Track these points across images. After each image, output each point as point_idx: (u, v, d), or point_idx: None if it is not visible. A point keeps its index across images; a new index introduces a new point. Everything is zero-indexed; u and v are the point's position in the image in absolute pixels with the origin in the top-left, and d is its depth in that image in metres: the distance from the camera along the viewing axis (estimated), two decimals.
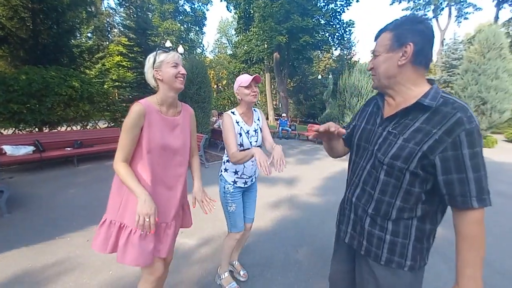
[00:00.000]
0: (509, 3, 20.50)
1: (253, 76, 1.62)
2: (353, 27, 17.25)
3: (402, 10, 25.62)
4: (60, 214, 3.18)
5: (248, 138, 1.71)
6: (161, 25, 25.20)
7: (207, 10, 31.96)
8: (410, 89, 0.90)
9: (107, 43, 21.13)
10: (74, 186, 4.21)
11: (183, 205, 1.53)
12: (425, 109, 0.85)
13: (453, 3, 23.35)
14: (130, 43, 9.59)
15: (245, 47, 18.36)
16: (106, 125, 7.55)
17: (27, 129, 5.80)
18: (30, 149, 4.90)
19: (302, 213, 3.44)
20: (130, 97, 9.52)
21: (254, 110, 1.82)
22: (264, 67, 20.99)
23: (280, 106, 21.31)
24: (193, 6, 30.86)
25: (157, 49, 1.28)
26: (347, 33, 17.94)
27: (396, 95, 0.94)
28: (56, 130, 6.28)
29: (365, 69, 10.32)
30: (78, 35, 12.24)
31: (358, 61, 22.63)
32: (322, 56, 28.10)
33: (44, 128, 6.10)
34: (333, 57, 28.29)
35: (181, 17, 30.07)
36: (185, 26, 29.78)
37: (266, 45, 16.37)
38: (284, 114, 13.08)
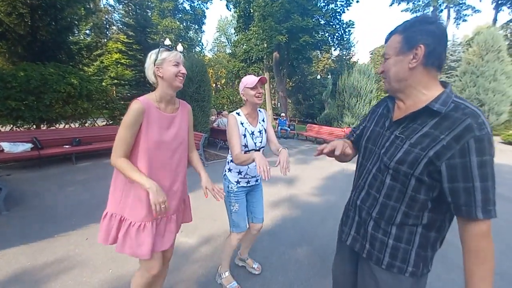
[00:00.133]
0: (508, 5, 20.64)
1: (259, 77, 1.61)
2: (353, 27, 17.25)
3: (402, 11, 25.71)
4: (59, 212, 3.16)
5: (253, 139, 1.71)
6: (161, 23, 25.07)
7: (207, 8, 31.86)
8: (421, 93, 0.88)
9: (105, 40, 21.02)
10: (73, 184, 4.19)
11: (184, 200, 1.55)
12: (434, 114, 0.83)
13: (452, 5, 23.44)
14: (129, 41, 9.56)
15: (245, 46, 18.32)
16: (104, 123, 7.52)
17: (25, 126, 5.76)
18: (28, 146, 4.86)
19: (302, 213, 3.45)
20: (129, 95, 9.48)
21: (259, 111, 1.82)
22: (264, 67, 20.96)
23: (279, 105, 21.32)
24: (192, 4, 30.74)
25: (160, 46, 1.30)
26: (347, 33, 17.95)
27: (406, 98, 0.92)
28: (54, 128, 6.25)
29: (364, 69, 10.37)
30: (76, 32, 12.14)
31: (357, 61, 22.70)
32: (321, 56, 28.14)
33: (42, 125, 6.06)
34: (332, 57, 28.34)
35: (180, 15, 29.95)
36: (184, 24, 29.66)
37: (265, 45, 16.33)
38: (283, 114, 13.08)
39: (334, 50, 23.16)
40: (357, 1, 17.06)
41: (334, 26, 17.08)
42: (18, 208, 3.21)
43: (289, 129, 11.82)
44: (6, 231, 2.67)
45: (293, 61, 19.71)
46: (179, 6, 29.78)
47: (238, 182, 1.78)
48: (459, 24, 24.58)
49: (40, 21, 7.28)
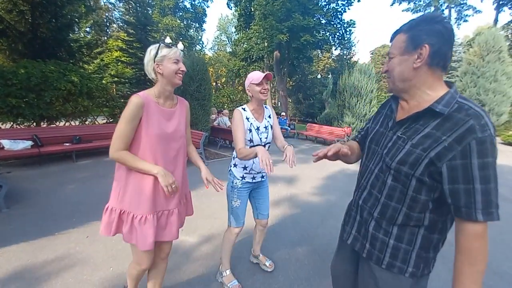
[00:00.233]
0: (509, 6, 20.61)
1: (265, 73, 1.63)
2: (354, 27, 17.23)
3: (402, 11, 25.68)
4: (59, 209, 3.16)
5: (258, 135, 1.72)
6: (161, 21, 25.02)
7: (208, 6, 31.79)
8: (426, 93, 0.87)
9: (106, 38, 20.96)
10: (73, 182, 4.19)
11: (185, 194, 1.58)
12: (437, 115, 0.82)
13: (453, 5, 23.42)
14: (129, 39, 9.53)
15: (245, 45, 18.29)
16: (105, 121, 7.51)
17: (25, 124, 5.75)
18: (28, 143, 4.86)
19: (302, 212, 3.45)
20: (129, 93, 9.46)
21: (265, 107, 1.84)
22: (264, 66, 20.95)
23: (279, 105, 21.30)
24: (193, 3, 30.70)
25: (160, 43, 1.31)
26: (348, 33, 17.91)
27: (410, 98, 0.91)
28: (54, 125, 6.24)
29: (365, 69, 10.36)
30: (77, 30, 12.12)
31: (358, 61, 22.68)
32: (322, 55, 28.10)
33: (42, 123, 6.04)
34: (332, 57, 28.31)
35: (181, 13, 29.90)
36: (185, 22, 29.60)
37: (266, 44, 16.29)
38: (283, 113, 13.07)
39: (335, 49, 23.11)
40: (358, 1, 17.03)
41: (335, 26, 17.04)
42: (18, 205, 3.21)
43: (289, 128, 11.81)
44: (6, 228, 2.67)
45: (293, 60, 19.68)
46: (180, 4, 29.72)
47: (243, 177, 1.80)
48: (460, 24, 24.57)
49: (40, 18, 7.26)
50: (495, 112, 9.50)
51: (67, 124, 6.58)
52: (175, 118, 1.39)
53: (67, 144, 5.44)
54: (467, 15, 23.83)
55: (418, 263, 0.90)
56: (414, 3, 24.74)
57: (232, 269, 2.07)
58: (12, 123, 5.58)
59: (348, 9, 16.96)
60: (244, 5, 17.94)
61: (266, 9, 14.80)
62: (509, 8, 20.79)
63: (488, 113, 0.79)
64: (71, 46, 8.44)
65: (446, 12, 24.14)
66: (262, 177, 1.88)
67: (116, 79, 11.52)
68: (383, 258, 0.94)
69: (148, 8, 12.81)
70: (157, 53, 1.27)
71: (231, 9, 20.63)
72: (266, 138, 1.77)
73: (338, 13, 16.83)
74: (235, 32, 25.45)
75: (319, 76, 23.10)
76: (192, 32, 31.43)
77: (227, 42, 37.02)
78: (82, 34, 16.60)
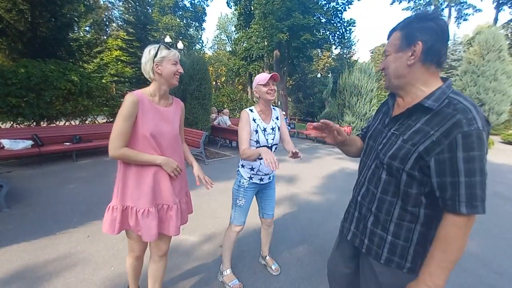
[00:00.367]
0: (509, 5, 20.59)
1: (271, 74, 1.66)
2: (354, 26, 17.22)
3: (402, 10, 25.66)
4: (60, 209, 3.16)
5: (265, 136, 1.74)
6: (161, 20, 24.97)
7: (207, 5, 31.73)
8: (420, 89, 0.89)
9: (105, 37, 20.92)
10: (73, 181, 4.19)
11: (186, 192, 1.61)
12: (427, 111, 0.84)
13: (453, 4, 23.40)
14: (129, 38, 9.52)
15: (245, 44, 18.29)
16: (105, 120, 7.50)
17: (25, 123, 5.74)
18: (28, 143, 4.85)
19: (303, 212, 3.45)
20: (129, 92, 9.46)
21: (273, 108, 1.85)
22: (264, 65, 20.94)
23: (279, 104, 21.31)
24: (193, 2, 30.64)
25: (160, 44, 1.35)
26: (348, 32, 17.91)
27: (406, 95, 0.94)
28: (54, 125, 6.22)
29: (365, 68, 10.35)
30: (76, 29, 12.09)
31: (358, 60, 22.65)
32: (322, 54, 28.08)
33: (42, 123, 6.04)
34: (332, 56, 28.29)
35: (180, 12, 29.84)
36: (184, 21, 29.55)
37: (266, 43, 16.29)
38: (283, 112, 13.05)
39: (335, 48, 23.11)
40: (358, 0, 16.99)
41: (335, 25, 17.05)
42: (19, 205, 3.22)
43: (289, 128, 11.82)
44: (7, 228, 2.67)
45: (293, 59, 19.69)
46: (180, 3, 29.65)
47: (250, 178, 1.82)
48: (460, 23, 24.57)
49: (40, 18, 7.26)
50: (495, 111, 9.50)
51: (67, 123, 6.57)
52: (170, 117, 1.42)
53: (67, 143, 5.44)
54: (467, 14, 23.83)
55: (416, 259, 0.92)
56: (414, 2, 24.72)
57: (233, 268, 2.08)
58: (12, 122, 5.57)
59: (348, 8, 16.97)
60: (244, 4, 17.94)
61: (266, 8, 14.79)
62: (509, 7, 20.78)
63: (480, 108, 0.80)
64: (70, 45, 8.44)
65: (446, 11, 24.13)
66: (269, 178, 1.89)
67: (116, 78, 11.53)
68: (382, 253, 0.96)
69: (148, 7, 12.80)
70: (156, 53, 1.31)
71: (231, 8, 20.59)
72: (273, 139, 1.78)
73: (338, 12, 16.83)
74: (235, 31, 25.42)
75: (319, 75, 23.09)
76: (192, 31, 31.39)
77: (227, 41, 36.97)
78: (81, 33, 16.57)
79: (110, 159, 1.27)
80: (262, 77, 1.67)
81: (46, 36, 7.43)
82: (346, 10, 16.98)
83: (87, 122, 7.00)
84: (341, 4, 16.76)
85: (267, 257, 2.24)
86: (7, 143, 4.61)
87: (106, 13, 23.59)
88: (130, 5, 11.70)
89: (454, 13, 24.22)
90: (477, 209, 0.76)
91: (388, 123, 0.99)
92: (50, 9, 7.38)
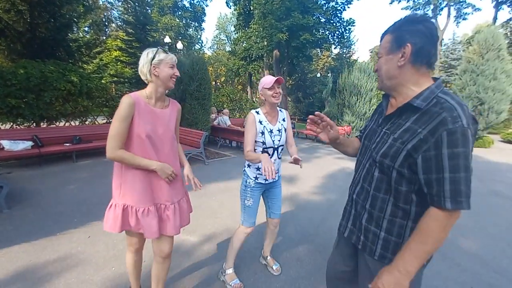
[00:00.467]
0: (508, 4, 20.60)
1: (276, 78, 1.69)
2: (353, 25, 17.21)
3: (402, 9, 25.66)
4: (60, 210, 3.17)
5: (271, 137, 1.77)
6: (160, 20, 24.95)
7: (207, 5, 31.71)
8: (411, 90, 0.91)
9: (105, 37, 20.89)
10: (74, 182, 4.19)
11: (185, 192, 1.64)
12: (416, 110, 0.87)
13: (452, 3, 23.39)
14: (129, 38, 9.52)
15: (244, 44, 18.30)
16: (104, 121, 7.50)
17: (25, 124, 5.75)
18: (28, 144, 4.86)
19: (302, 211, 3.46)
20: (128, 93, 9.46)
21: (280, 110, 1.89)
22: (264, 65, 20.94)
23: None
24: (192, 2, 30.61)
25: (158, 47, 1.40)
26: (347, 31, 17.90)
27: (398, 95, 0.97)
28: (54, 126, 6.23)
29: (365, 68, 10.34)
30: (75, 30, 12.09)
31: (357, 59, 22.66)
32: (321, 54, 28.08)
33: (42, 123, 6.04)
34: (332, 56, 28.28)
35: (180, 13, 29.82)
36: (184, 21, 29.53)
37: (265, 43, 16.29)
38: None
39: (335, 48, 23.11)
40: None
41: (334, 24, 17.04)
42: (19, 206, 3.22)
43: None
44: (7, 229, 2.68)
45: (293, 59, 19.68)
46: (179, 3, 29.63)
47: (256, 178, 1.84)
48: (459, 22, 24.57)
49: (39, 18, 7.26)
50: (495, 110, 9.47)
51: (67, 124, 6.57)
52: (166, 119, 1.45)
53: (67, 144, 5.44)
54: (466, 13, 23.82)
55: None
56: (414, 1, 24.71)
57: (234, 268, 2.08)
58: (12, 123, 5.58)
59: (348, 7, 16.96)
60: (243, 4, 17.94)
61: (265, 8, 14.79)
62: (508, 6, 20.79)
63: (466, 107, 0.82)
64: (70, 46, 8.44)
65: (445, 10, 24.13)
66: (274, 178, 1.90)
67: (115, 78, 11.52)
68: (375, 249, 0.99)
69: (147, 7, 12.79)
70: (154, 56, 1.34)
71: (230, 8, 20.59)
72: (279, 140, 1.81)
73: (337, 12, 16.82)
74: (234, 31, 25.40)
75: (318, 75, 23.08)
76: (191, 31, 31.38)
77: (227, 41, 36.94)
78: (81, 33, 16.56)
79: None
80: (267, 80, 1.70)
81: (45, 36, 7.42)
82: (345, 10, 16.97)
83: (87, 122, 7.00)
84: (340, 3, 16.74)
85: (269, 258, 2.24)
86: (7, 144, 4.61)
87: (105, 14, 23.54)
88: (129, 6, 11.70)
89: (453, 12, 24.22)
90: (462, 205, 0.78)
91: (381, 123, 1.03)
92: (49, 10, 7.38)
